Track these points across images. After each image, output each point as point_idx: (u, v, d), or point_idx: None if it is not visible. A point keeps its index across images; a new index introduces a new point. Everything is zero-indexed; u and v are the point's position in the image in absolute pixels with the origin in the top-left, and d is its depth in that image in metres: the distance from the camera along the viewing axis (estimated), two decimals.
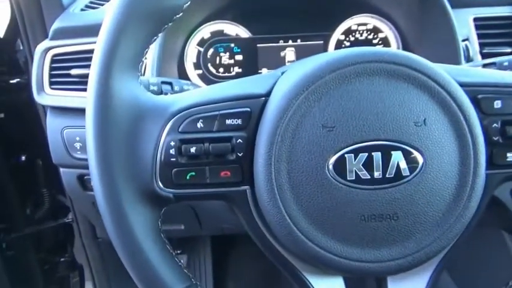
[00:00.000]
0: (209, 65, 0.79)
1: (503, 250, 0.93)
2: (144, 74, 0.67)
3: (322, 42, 0.78)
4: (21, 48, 0.96)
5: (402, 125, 0.36)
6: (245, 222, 0.40)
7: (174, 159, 0.37)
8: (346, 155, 0.36)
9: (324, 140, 0.36)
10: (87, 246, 0.94)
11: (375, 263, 0.37)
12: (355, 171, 0.36)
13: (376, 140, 0.36)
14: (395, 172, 0.36)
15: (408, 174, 0.36)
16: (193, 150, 0.37)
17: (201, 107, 0.37)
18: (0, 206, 1.01)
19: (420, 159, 0.36)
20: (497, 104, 0.38)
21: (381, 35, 0.78)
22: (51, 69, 0.68)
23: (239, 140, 0.37)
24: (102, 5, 0.76)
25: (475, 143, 0.36)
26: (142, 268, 0.37)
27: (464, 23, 0.69)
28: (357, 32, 0.78)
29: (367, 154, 0.36)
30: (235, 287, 1.18)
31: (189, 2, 0.40)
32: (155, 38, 0.39)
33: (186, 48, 0.78)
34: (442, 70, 0.37)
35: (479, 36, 0.68)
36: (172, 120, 0.37)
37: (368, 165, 0.36)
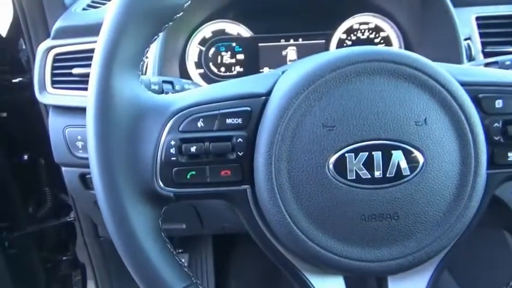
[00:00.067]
0: (211, 64, 0.79)
1: (504, 250, 0.93)
2: (145, 73, 0.67)
3: (323, 41, 0.78)
4: (24, 47, 0.96)
5: (403, 125, 0.36)
6: (245, 221, 0.40)
7: (174, 158, 0.37)
8: (346, 155, 0.36)
9: (324, 139, 0.36)
10: (89, 244, 0.95)
11: (376, 263, 0.37)
12: (356, 170, 0.36)
13: (377, 140, 0.36)
14: (396, 171, 0.36)
15: (409, 173, 0.36)
16: (193, 149, 0.37)
17: (201, 106, 0.38)
18: (3, 205, 1.01)
19: (421, 159, 0.36)
20: (499, 103, 0.38)
21: (382, 34, 0.78)
22: (53, 68, 0.68)
23: (239, 139, 0.37)
24: (104, 4, 0.76)
25: (475, 143, 0.36)
26: (142, 267, 0.38)
27: (466, 22, 0.68)
28: (359, 31, 0.78)
29: (367, 153, 0.36)
30: (237, 286, 1.18)
31: (189, 1, 0.40)
32: (156, 37, 0.39)
33: (188, 47, 0.78)
34: (442, 69, 0.37)
35: (482, 35, 0.68)
36: (173, 119, 0.37)
37: (368, 164, 0.36)
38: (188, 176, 0.38)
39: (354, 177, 0.36)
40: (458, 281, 1.02)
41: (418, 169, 0.36)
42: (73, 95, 0.67)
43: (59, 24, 0.69)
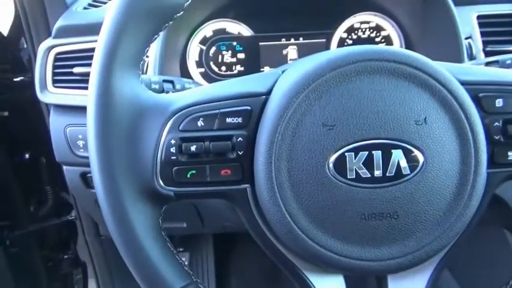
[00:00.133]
0: (211, 63, 0.79)
1: (505, 248, 0.93)
2: (146, 73, 0.67)
3: (324, 40, 0.78)
4: (25, 46, 0.96)
5: (403, 124, 0.36)
6: (245, 220, 0.40)
7: (174, 157, 0.37)
8: (346, 154, 0.36)
9: (324, 139, 0.36)
10: (90, 243, 0.95)
11: (375, 262, 0.37)
12: (356, 169, 0.36)
13: (377, 139, 0.36)
14: (396, 171, 0.36)
15: (409, 172, 0.36)
16: (193, 148, 0.37)
17: (201, 106, 0.38)
18: (4, 204, 1.02)
19: (421, 158, 0.36)
20: (499, 102, 0.38)
21: (383, 33, 0.78)
22: (55, 67, 0.68)
23: (239, 138, 0.37)
24: (105, 3, 0.76)
25: (476, 142, 0.36)
26: (143, 266, 0.38)
27: (467, 21, 0.68)
28: (360, 30, 0.78)
29: (367, 153, 0.36)
30: (238, 285, 1.19)
31: (189, 1, 0.40)
32: (156, 36, 0.39)
33: (188, 46, 0.78)
34: (443, 68, 0.37)
35: (483, 34, 0.68)
36: (173, 118, 0.37)
37: (368, 163, 0.36)
38: (188, 175, 0.38)
39: (354, 177, 0.36)
40: (458, 280, 1.02)
41: (418, 168, 0.36)
42: (74, 94, 0.67)
43: (60, 23, 0.69)
